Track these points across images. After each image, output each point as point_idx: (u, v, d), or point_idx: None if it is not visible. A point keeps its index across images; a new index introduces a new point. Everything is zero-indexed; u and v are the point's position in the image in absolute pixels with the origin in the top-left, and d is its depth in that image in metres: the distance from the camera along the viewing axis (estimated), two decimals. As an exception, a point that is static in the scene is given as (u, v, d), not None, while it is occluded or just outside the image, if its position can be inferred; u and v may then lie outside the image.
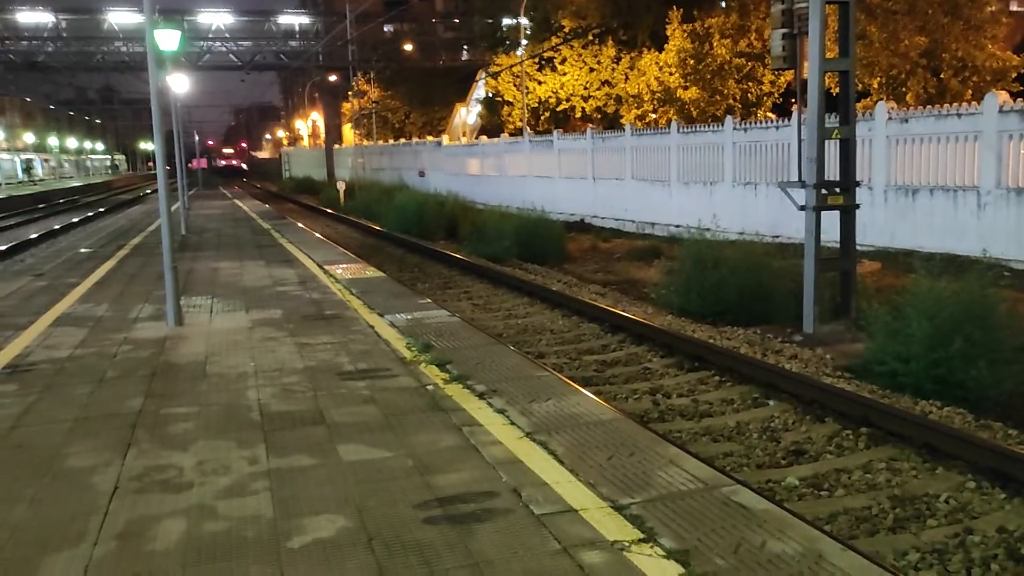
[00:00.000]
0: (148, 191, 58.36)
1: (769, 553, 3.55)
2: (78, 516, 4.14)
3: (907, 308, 8.10)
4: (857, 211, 11.01)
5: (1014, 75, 20.98)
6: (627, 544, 3.67)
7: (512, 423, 5.36)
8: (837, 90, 11.32)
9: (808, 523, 3.99)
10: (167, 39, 13.97)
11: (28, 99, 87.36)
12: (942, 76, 21.21)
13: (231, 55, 55.66)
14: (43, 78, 63.94)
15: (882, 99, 18.42)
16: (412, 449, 4.93)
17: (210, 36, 55.06)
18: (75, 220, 29.12)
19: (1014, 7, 26.51)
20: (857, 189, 11.05)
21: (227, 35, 55.61)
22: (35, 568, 3.63)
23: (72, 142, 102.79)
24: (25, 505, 4.29)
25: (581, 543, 3.70)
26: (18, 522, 4.10)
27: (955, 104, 16.25)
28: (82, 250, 17.80)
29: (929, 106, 16.70)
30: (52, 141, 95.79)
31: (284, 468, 4.69)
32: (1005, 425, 6.92)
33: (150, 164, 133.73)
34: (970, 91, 20.50)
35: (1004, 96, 14.80)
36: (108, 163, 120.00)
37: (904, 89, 21.39)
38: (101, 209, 37.23)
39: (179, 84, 23.94)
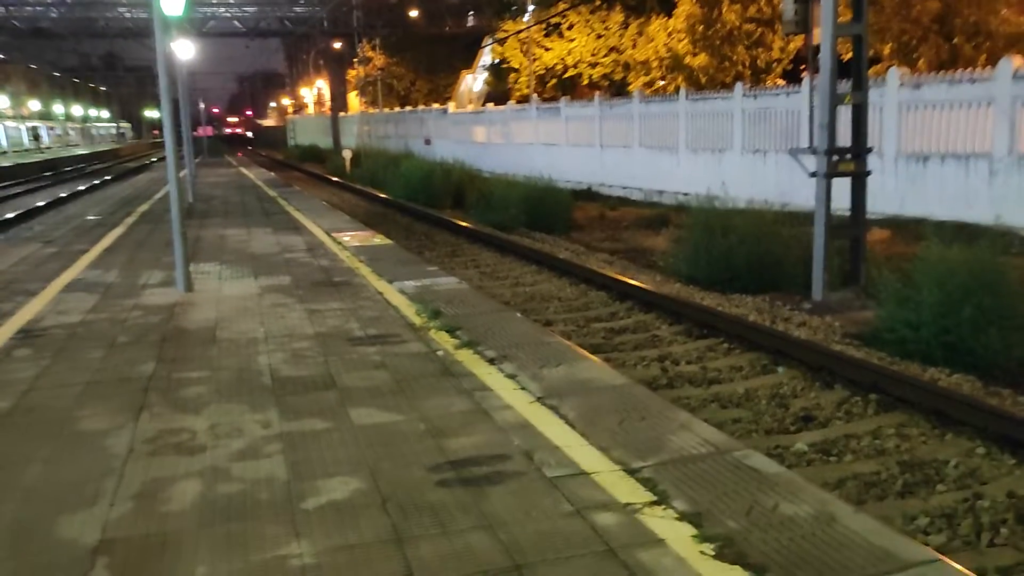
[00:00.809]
0: (154, 159, 58.27)
1: (781, 515, 3.56)
2: (93, 478, 4.18)
3: (917, 275, 8.08)
4: (868, 178, 10.94)
5: (1028, 41, 20.69)
6: (639, 506, 3.69)
7: (522, 388, 5.37)
8: (849, 55, 11.20)
9: (819, 487, 4.00)
10: (172, 4, 13.84)
11: (33, 66, 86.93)
12: (955, 42, 20.94)
13: (235, 21, 55.29)
14: (47, 45, 63.64)
15: (894, 65, 18.21)
16: (424, 413, 4.95)
17: (214, 2, 54.64)
18: (82, 188, 29.11)
19: (1029, -29, 26.05)
20: (868, 156, 10.97)
21: (231, 1, 55.16)
22: (51, 526, 3.67)
23: (77, 110, 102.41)
24: (40, 466, 4.33)
25: (594, 505, 3.72)
26: (33, 483, 4.13)
27: (968, 70, 16.06)
28: (90, 217, 17.81)
29: (941, 72, 16.50)
30: (57, 109, 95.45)
31: (296, 432, 4.72)
32: (1014, 392, 6.92)
33: (156, 132, 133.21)
34: (984, 57, 20.24)
35: (1018, 61, 14.60)
36: (114, 131, 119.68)
37: (916, 55, 21.14)
38: (108, 177, 37.19)
39: (184, 51, 23.77)
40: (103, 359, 6.36)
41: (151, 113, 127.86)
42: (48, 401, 5.39)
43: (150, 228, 15.16)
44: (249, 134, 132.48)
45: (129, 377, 5.86)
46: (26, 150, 67.72)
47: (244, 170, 36.87)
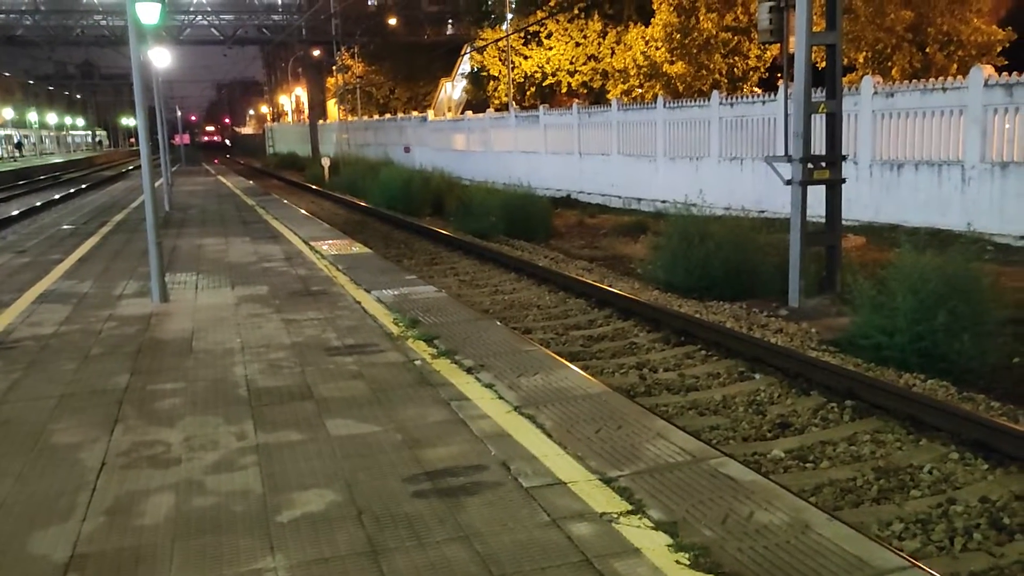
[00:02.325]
0: (130, 167, 57.79)
1: (757, 524, 3.58)
2: (66, 492, 4.13)
3: (892, 282, 8.15)
4: (843, 185, 11.05)
5: (999, 49, 21.03)
6: (615, 516, 3.69)
7: (500, 397, 5.37)
8: (823, 64, 11.31)
9: (795, 494, 4.03)
10: (148, 11, 13.77)
11: (7, 74, 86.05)
12: (928, 50, 21.23)
13: (213, 29, 55.00)
14: (22, 52, 63.01)
15: (868, 73, 18.41)
16: (401, 424, 4.93)
17: (191, 9, 54.38)
18: (57, 197, 28.82)
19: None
20: (843, 163, 11.08)
21: (209, 8, 54.92)
22: (24, 543, 3.62)
23: (52, 118, 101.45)
24: (12, 481, 4.27)
25: (570, 515, 3.72)
26: (5, 498, 4.08)
27: (940, 78, 16.27)
28: (65, 226, 17.63)
29: (915, 80, 16.70)
30: (32, 117, 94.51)
31: (272, 443, 4.69)
32: (988, 397, 6.99)
33: (132, 140, 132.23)
34: (955, 65, 20.54)
35: (989, 70, 14.81)
36: (89, 139, 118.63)
37: (890, 64, 21.41)
38: (83, 185, 36.86)
39: (160, 58, 23.62)
40: (77, 371, 6.29)
41: (128, 121, 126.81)
42: (20, 414, 5.33)
43: (126, 238, 15.02)
44: (227, 142, 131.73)
45: (103, 389, 5.80)
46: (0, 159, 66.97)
47: (222, 178, 36.66)
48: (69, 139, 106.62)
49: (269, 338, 7.11)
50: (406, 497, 3.96)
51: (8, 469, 4.42)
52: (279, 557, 3.44)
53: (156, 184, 9.43)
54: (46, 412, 5.34)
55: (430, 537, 3.56)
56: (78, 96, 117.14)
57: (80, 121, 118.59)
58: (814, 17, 10.48)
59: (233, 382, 5.87)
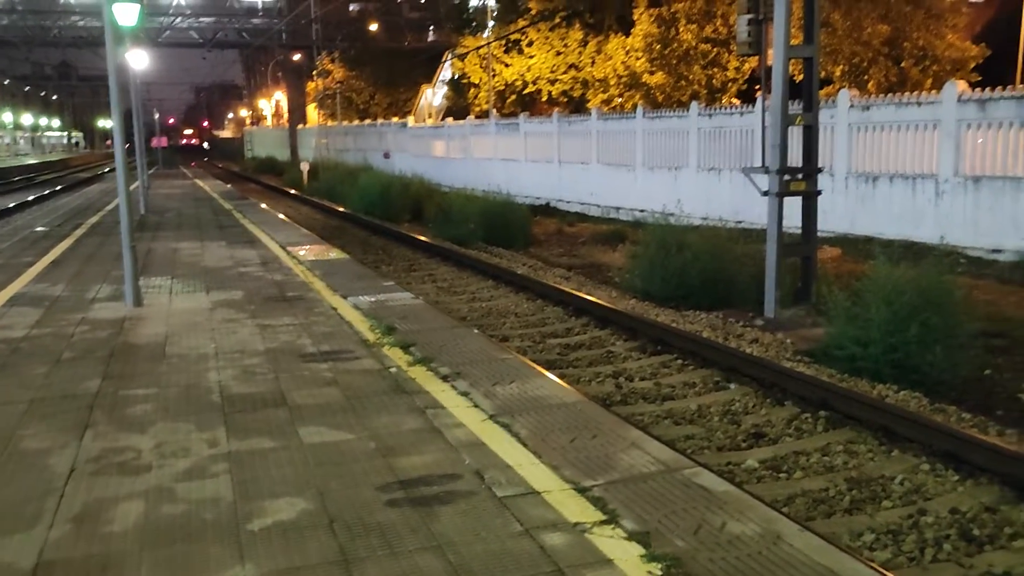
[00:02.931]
0: (106, 169, 57.21)
1: (729, 534, 3.59)
2: (33, 498, 4.07)
3: (866, 294, 8.23)
4: (819, 197, 11.15)
5: (973, 65, 21.34)
6: (589, 526, 3.69)
7: (476, 406, 5.35)
8: (801, 77, 11.42)
9: (767, 505, 4.05)
10: (126, 13, 13.65)
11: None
12: (903, 65, 21.50)
13: (192, 32, 54.68)
14: (-2, 52, 62.28)
15: (845, 87, 18.61)
16: (375, 432, 4.90)
17: (170, 12, 54.02)
18: (31, 198, 28.46)
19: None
20: (819, 176, 11.18)
21: (188, 11, 54.59)
22: (-13, 552, 3.56)
23: (28, 119, 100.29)
24: (-23, 488, 4.20)
25: (543, 525, 3.71)
26: (-30, 505, 4.01)
27: (915, 93, 16.48)
28: (38, 229, 17.42)
29: (890, 94, 16.91)
30: (7, 117, 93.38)
31: (244, 451, 4.64)
32: (959, 409, 7.07)
33: (109, 142, 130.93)
34: (930, 80, 20.81)
35: (963, 85, 15.03)
36: (65, 140, 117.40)
37: (866, 77, 21.65)
38: (58, 187, 36.44)
39: (138, 61, 23.43)
40: (47, 375, 6.21)
41: (105, 123, 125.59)
42: (-13, 419, 5.24)
43: (100, 241, 14.86)
44: (205, 145, 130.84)
45: (74, 394, 5.72)
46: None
47: (199, 182, 36.39)
48: (44, 140, 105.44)
49: (243, 344, 7.06)
50: (379, 506, 3.93)
51: (-26, 475, 4.35)
52: (249, 566, 3.40)
53: (132, 187, 9.34)
54: (15, 417, 5.26)
55: (402, 546, 3.54)
56: (54, 97, 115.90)
57: (56, 122, 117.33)
58: (792, 30, 10.57)
59: (206, 388, 5.81)
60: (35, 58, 75.35)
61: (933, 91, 16.06)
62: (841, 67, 21.85)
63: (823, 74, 20.94)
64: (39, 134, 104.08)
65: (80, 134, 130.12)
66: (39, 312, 8.52)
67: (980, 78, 20.07)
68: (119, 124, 9.20)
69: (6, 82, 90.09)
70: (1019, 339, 9.21)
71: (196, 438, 4.85)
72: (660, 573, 3.29)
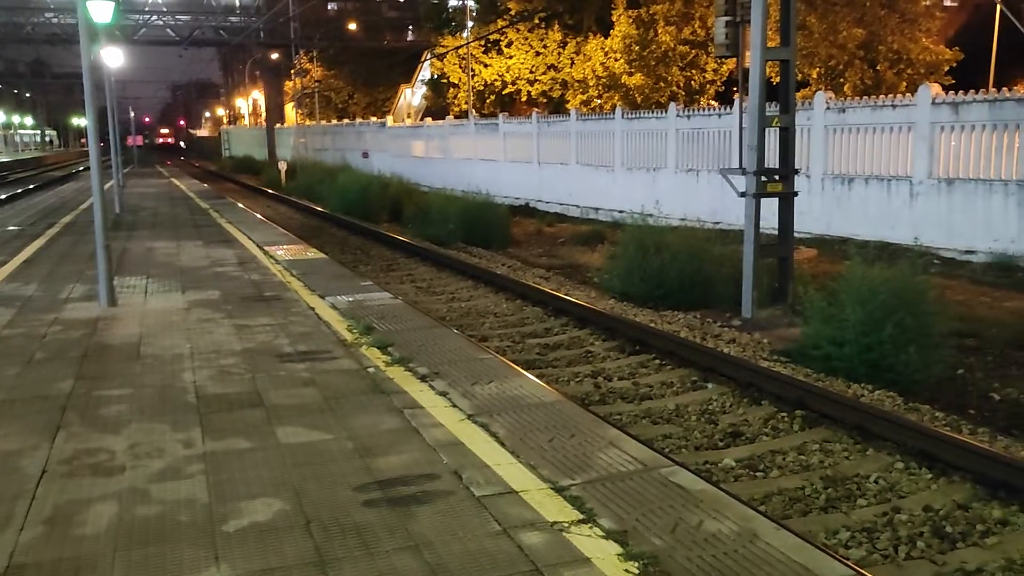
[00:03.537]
0: (81, 168, 56.56)
1: (706, 532, 3.60)
2: (3, 500, 4.01)
3: (841, 294, 8.29)
4: (795, 199, 11.22)
5: (947, 68, 21.59)
6: (566, 525, 3.69)
7: (454, 405, 5.34)
8: (778, 79, 11.49)
9: (744, 503, 4.07)
10: (100, 10, 13.50)
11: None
12: (878, 68, 21.72)
13: (168, 29, 54.10)
14: (-31, 49, 61.36)
15: (821, 89, 18.77)
16: (352, 432, 4.88)
17: (146, 9, 53.46)
18: (2, 197, 28.09)
19: (947, 2, 27.24)
20: (795, 177, 11.25)
21: (164, 8, 54.04)
22: (-44, 555, 3.50)
23: (0, 116, 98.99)
24: (-54, 490, 4.14)
25: (521, 524, 3.71)
26: (-61, 508, 3.95)
27: (890, 96, 16.64)
28: (10, 228, 17.19)
29: (865, 97, 17.06)
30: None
31: (220, 451, 4.60)
32: (932, 408, 7.14)
33: (83, 140, 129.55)
34: (905, 83, 21.04)
35: (937, 89, 15.19)
36: (39, 139, 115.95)
37: (842, 80, 21.85)
38: (31, 186, 35.97)
39: (113, 58, 23.18)
40: (19, 376, 6.13)
41: (79, 121, 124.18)
42: (-43, 420, 5.16)
43: (74, 240, 14.69)
44: (182, 144, 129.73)
45: (46, 395, 5.65)
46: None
47: (176, 181, 36.07)
48: (17, 138, 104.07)
49: (220, 344, 7.00)
50: (356, 506, 3.91)
51: (-57, 477, 4.28)
52: (224, 567, 3.37)
53: (106, 186, 9.23)
54: (-15, 418, 5.18)
55: (379, 547, 3.52)
56: (28, 95, 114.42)
57: (29, 120, 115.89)
58: (769, 33, 10.64)
59: (181, 388, 5.76)
60: (8, 55, 74.38)
61: (908, 94, 16.23)
62: (817, 70, 22.04)
63: (800, 76, 21.11)
64: (12, 132, 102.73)
65: (54, 132, 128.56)
66: (11, 312, 8.41)
67: (953, 81, 20.30)
68: (93, 122, 9.10)
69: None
70: (990, 339, 9.33)
71: (171, 439, 4.80)
72: (637, 571, 3.30)
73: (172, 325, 7.74)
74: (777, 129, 11.03)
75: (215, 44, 61.63)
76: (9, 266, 11.56)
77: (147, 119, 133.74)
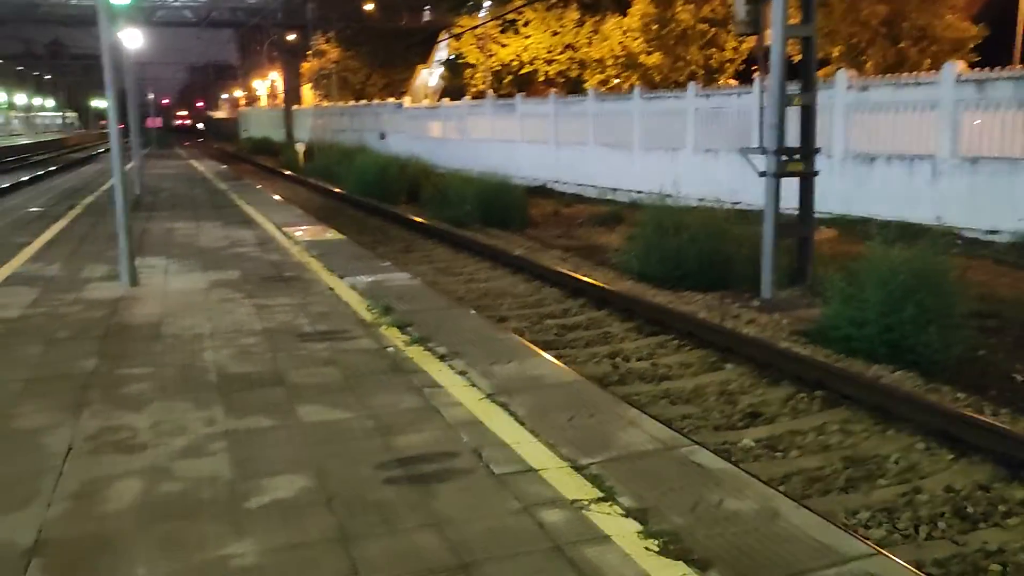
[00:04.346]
0: (101, 150, 56.93)
1: (726, 511, 3.61)
2: (30, 476, 4.07)
3: (862, 274, 8.23)
4: (815, 178, 11.13)
5: (972, 45, 21.24)
6: (586, 503, 3.71)
7: (473, 385, 5.36)
8: (799, 57, 11.37)
9: (763, 483, 4.06)
10: (118, -9, 13.49)
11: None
12: (901, 45, 21.40)
13: (186, 11, 54.20)
14: (-12, 31, 61.70)
15: (842, 67, 18.54)
16: (373, 410, 4.91)
17: (164, -10, 53.48)
18: (24, 179, 28.34)
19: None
20: (816, 156, 11.15)
21: (182, -10, 54.09)
22: (-14, 529, 3.56)
23: (20, 98, 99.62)
24: (-25, 466, 4.20)
25: (541, 502, 3.72)
26: (-33, 483, 4.01)
27: (914, 73, 16.42)
28: (32, 209, 17.34)
29: (888, 75, 16.84)
30: (0, 97, 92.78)
31: (242, 429, 4.65)
32: (954, 388, 7.09)
33: (103, 122, 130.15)
34: (928, 61, 20.72)
35: (961, 66, 14.98)
36: (59, 121, 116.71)
37: (864, 58, 21.56)
38: (52, 168, 36.27)
39: (131, 39, 23.24)
40: (42, 355, 6.20)
41: (98, 103, 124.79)
42: (-16, 398, 5.23)
43: (94, 221, 14.80)
44: (201, 126, 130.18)
45: (69, 374, 5.72)
46: (-34, 139, 65.75)
47: (194, 162, 36.23)
48: (38, 120, 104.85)
49: (240, 323, 7.05)
50: (377, 484, 3.94)
51: (-29, 453, 4.35)
52: (248, 543, 3.41)
53: (127, 167, 9.29)
54: (11, 396, 5.25)
55: (401, 524, 3.55)
56: (47, 77, 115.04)
57: (50, 102, 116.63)
58: (790, 10, 10.51)
59: (202, 367, 5.81)
60: (25, 36, 74.76)
61: (931, 72, 16.01)
62: (839, 47, 21.75)
63: (821, 54, 20.80)
64: (33, 114, 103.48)
65: (74, 114, 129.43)
66: (34, 292, 8.50)
67: (979, 59, 19.98)
68: (113, 104, 9.12)
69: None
70: (1012, 320, 9.25)
71: (193, 417, 4.85)
72: (658, 549, 3.31)
73: (193, 305, 7.80)
74: (798, 108, 10.92)
75: (232, 25, 61.73)
76: (32, 247, 11.67)
77: (165, 101, 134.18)
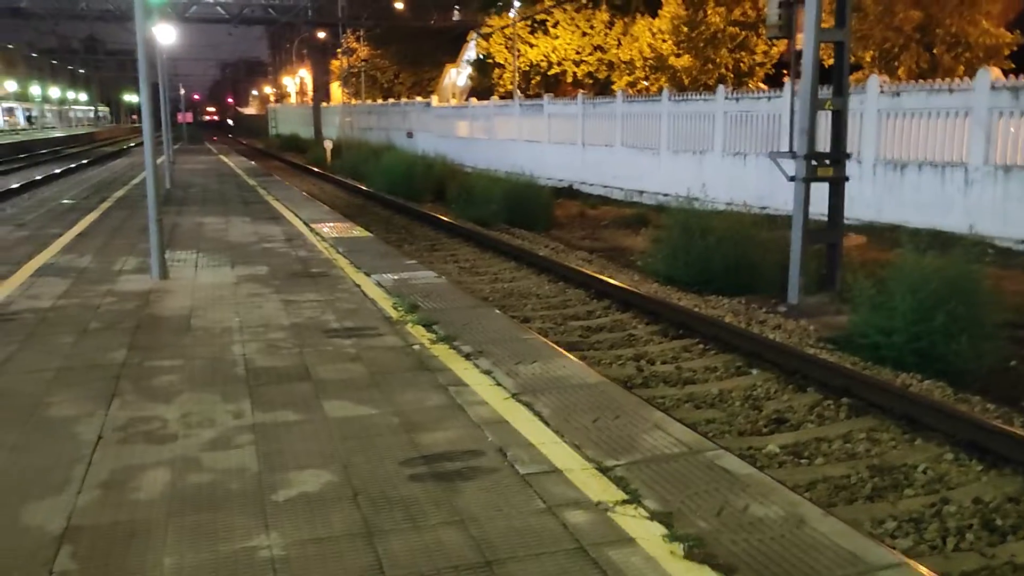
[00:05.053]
0: (132, 144, 57.61)
1: (751, 517, 3.58)
2: (61, 464, 4.13)
3: (891, 282, 8.15)
4: (845, 184, 11.03)
5: (1007, 52, 20.98)
6: (611, 505, 3.70)
7: (498, 384, 5.36)
8: (831, 61, 11.27)
9: (789, 489, 4.03)
10: (154, -12, 13.69)
11: (10, 46, 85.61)
12: (935, 51, 21.17)
13: (219, 7, 54.65)
14: (25, 25, 62.56)
15: (875, 72, 18.36)
16: (398, 407, 4.93)
17: (197, -13, 53.95)
18: (57, 171, 28.73)
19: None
20: (847, 162, 11.05)
21: (215, -14, 54.54)
22: (17, 515, 3.62)
23: (55, 92, 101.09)
24: (7, 452, 4.27)
25: (565, 503, 3.72)
26: (0, 469, 4.08)
27: (947, 80, 16.23)
28: (64, 201, 17.59)
29: (921, 81, 16.66)
30: (35, 90, 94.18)
31: (269, 423, 4.69)
32: (984, 399, 7.00)
33: (134, 117, 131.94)
34: (962, 67, 20.48)
35: (996, 73, 14.78)
36: (92, 114, 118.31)
37: (897, 63, 21.35)
38: (84, 161, 36.74)
39: (165, 35, 23.52)
40: (74, 345, 6.29)
41: (130, 97, 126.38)
42: (17, 386, 5.32)
43: (126, 214, 14.99)
44: (229, 121, 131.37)
45: (100, 364, 5.79)
46: (0, 131, 66.82)
47: (224, 158, 36.57)
48: (71, 114, 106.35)
49: (268, 318, 7.11)
50: (402, 480, 3.96)
51: (3, 441, 4.42)
52: (274, 535, 3.44)
53: (158, 161, 9.40)
54: (43, 385, 5.34)
55: (425, 520, 3.57)
56: (81, 71, 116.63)
57: (83, 96, 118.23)
58: (823, 14, 10.43)
59: (231, 361, 5.87)
60: (62, 31, 75.77)
61: (965, 78, 15.81)
62: (872, 52, 21.55)
63: (853, 59, 20.65)
64: (66, 107, 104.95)
65: (106, 108, 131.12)
66: (66, 283, 8.62)
67: (1014, 66, 19.71)
68: (147, 99, 9.24)
69: (34, 55, 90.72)
70: (1047, 331, 9.10)
71: (221, 409, 4.89)
72: (682, 553, 3.29)
73: (222, 299, 7.87)
74: (828, 113, 10.83)
75: (264, 22, 62.16)
76: (64, 238, 11.84)
77: (196, 96, 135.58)
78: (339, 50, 58.24)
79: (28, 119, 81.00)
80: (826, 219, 10.99)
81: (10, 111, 78.74)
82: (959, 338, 7.48)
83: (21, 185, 22.53)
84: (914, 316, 7.74)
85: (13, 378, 5.50)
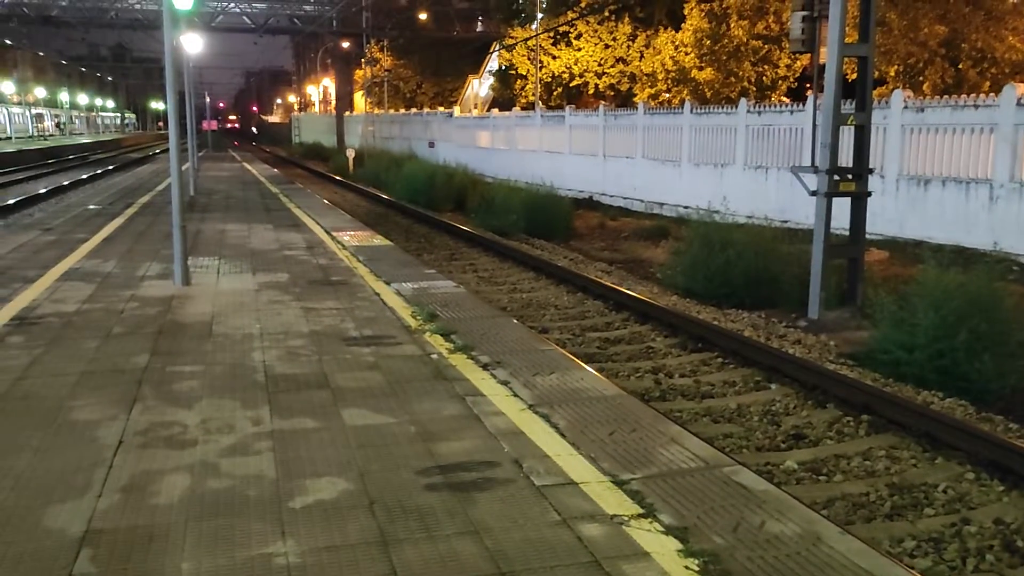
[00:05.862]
0: (157, 150, 58.26)
1: (768, 533, 3.56)
2: (83, 468, 4.18)
3: (913, 298, 8.09)
4: (868, 199, 10.97)
5: (1033, 68, 20.76)
6: (626, 518, 3.69)
7: (515, 395, 5.37)
8: (854, 76, 11.23)
9: (807, 506, 4.01)
10: (182, -3, 13.83)
11: (40, 53, 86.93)
12: (960, 67, 21.00)
13: (245, 17, 55.27)
14: (56, 33, 63.56)
15: (898, 87, 18.25)
16: (415, 416, 4.95)
17: (224, -3, 54.61)
18: (84, 177, 29.11)
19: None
20: (869, 177, 10.99)
21: (241, -4, 55.16)
22: (39, 518, 3.67)
23: (83, 98, 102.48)
24: (30, 455, 4.33)
25: (581, 515, 3.72)
26: (22, 472, 4.13)
27: (972, 95, 16.10)
28: (91, 206, 17.81)
29: (946, 96, 16.53)
30: (63, 97, 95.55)
31: (287, 430, 4.72)
32: (1007, 418, 6.93)
33: (160, 124, 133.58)
34: (988, 83, 20.29)
35: (1022, 89, 14.64)
36: (118, 121, 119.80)
37: (921, 78, 21.18)
38: (110, 167, 37.20)
39: (192, 44, 23.81)
40: (98, 349, 6.36)
41: (157, 105, 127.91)
42: (41, 389, 5.39)
43: (150, 220, 15.15)
44: (253, 130, 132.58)
45: (123, 369, 5.86)
46: (30, 137, 67.78)
47: (247, 165, 36.89)
48: (99, 120, 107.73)
49: (288, 325, 7.16)
50: (418, 489, 3.97)
51: (26, 443, 4.48)
52: (290, 542, 3.46)
53: (182, 168, 9.51)
54: (66, 388, 5.40)
55: (440, 530, 3.58)
56: (109, 78, 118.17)
57: (110, 103, 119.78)
58: (847, 28, 10.40)
59: (251, 367, 5.91)
60: (91, 39, 76.96)
61: (991, 94, 15.67)
62: (896, 67, 21.40)
63: (876, 74, 20.53)
64: (94, 114, 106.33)
65: (133, 115, 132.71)
66: (91, 288, 8.73)
67: (1040, 82, 19.52)
68: (173, 106, 9.35)
69: (63, 62, 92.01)
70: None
71: (241, 416, 4.93)
72: (698, 569, 3.28)
73: (243, 306, 7.94)
74: (851, 128, 10.79)
75: (289, 32, 62.69)
76: (90, 243, 11.99)
77: (221, 104, 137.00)
78: (363, 60, 58.65)
79: (57, 125, 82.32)
80: (847, 233, 10.92)
81: (40, 117, 79.85)
82: (982, 356, 7.42)
83: (49, 190, 22.85)
84: (936, 333, 7.68)
85: (38, 381, 5.57)
